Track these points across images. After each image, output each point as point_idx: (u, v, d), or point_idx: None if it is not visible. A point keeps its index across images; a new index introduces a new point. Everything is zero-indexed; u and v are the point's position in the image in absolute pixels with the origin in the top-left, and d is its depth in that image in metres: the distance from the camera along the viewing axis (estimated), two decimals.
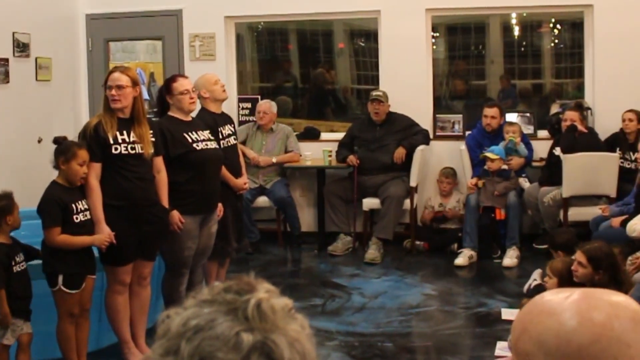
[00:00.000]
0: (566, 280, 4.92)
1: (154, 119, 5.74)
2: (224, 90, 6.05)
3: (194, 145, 5.35)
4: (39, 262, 4.78)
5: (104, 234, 4.76)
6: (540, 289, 5.97)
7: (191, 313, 1.07)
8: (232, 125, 6.14)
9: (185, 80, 5.50)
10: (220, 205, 5.64)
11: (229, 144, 5.91)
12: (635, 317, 1.27)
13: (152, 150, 4.97)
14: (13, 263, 4.53)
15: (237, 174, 6.02)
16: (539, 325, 1.30)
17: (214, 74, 6.16)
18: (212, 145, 5.50)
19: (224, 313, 1.06)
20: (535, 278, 6.32)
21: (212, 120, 5.81)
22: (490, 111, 8.04)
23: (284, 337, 1.05)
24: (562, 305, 1.30)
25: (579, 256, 4.80)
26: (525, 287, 6.32)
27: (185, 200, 5.28)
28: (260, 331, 1.04)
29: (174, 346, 1.05)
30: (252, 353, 1.02)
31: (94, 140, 4.80)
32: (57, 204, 4.64)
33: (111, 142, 4.82)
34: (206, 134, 5.51)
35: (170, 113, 5.46)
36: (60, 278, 4.66)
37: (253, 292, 1.08)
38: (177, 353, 1.04)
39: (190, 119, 5.50)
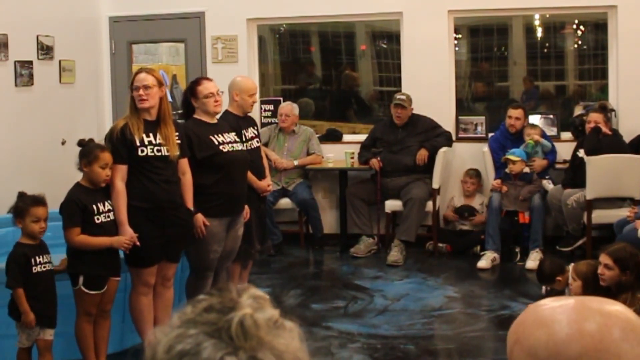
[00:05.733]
0: (591, 282, 4.88)
1: (179, 121, 5.76)
2: (253, 105, 6.06)
3: (220, 147, 5.35)
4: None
5: (126, 236, 4.79)
6: (554, 292, 5.99)
7: (175, 336, 1.05)
8: (255, 128, 6.14)
9: (209, 83, 5.49)
10: (246, 208, 5.66)
11: (252, 147, 5.92)
12: (627, 327, 1.25)
13: (177, 152, 4.98)
14: (33, 263, 4.54)
15: (261, 176, 6.03)
16: (530, 337, 1.29)
17: (254, 84, 6.17)
18: (239, 147, 5.51)
19: (208, 335, 1.03)
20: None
21: (235, 123, 5.82)
22: (514, 112, 8.01)
23: (270, 352, 1.03)
24: (553, 315, 1.29)
25: (604, 259, 4.76)
26: (542, 290, 6.31)
27: (212, 203, 5.29)
28: (246, 350, 1.02)
29: None
30: None
31: (120, 142, 4.83)
32: (76, 205, 4.66)
33: (137, 144, 4.84)
34: (232, 135, 5.52)
35: (195, 116, 5.46)
36: (81, 279, 4.70)
37: (235, 310, 1.05)
38: None
39: (215, 121, 5.51)
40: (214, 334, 1.03)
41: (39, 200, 4.63)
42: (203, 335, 1.03)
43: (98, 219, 4.71)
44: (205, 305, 1.08)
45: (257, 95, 6.13)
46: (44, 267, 4.59)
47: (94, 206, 4.70)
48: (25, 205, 4.58)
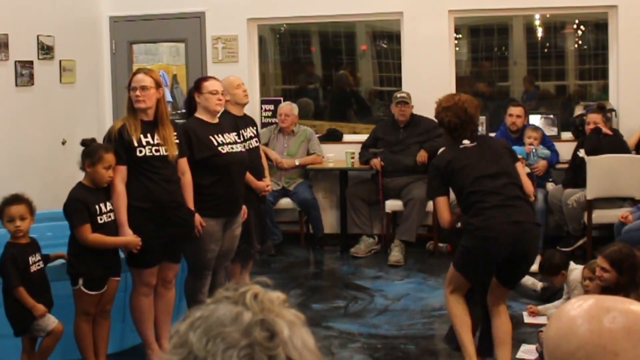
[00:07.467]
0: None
1: (178, 121, 5.75)
2: (246, 95, 6.06)
3: (219, 148, 5.34)
4: (61, 262, 4.84)
5: (126, 237, 4.79)
6: (550, 289, 6.06)
7: (196, 312, 1.17)
8: (255, 128, 6.14)
9: (217, 82, 5.50)
10: (244, 207, 5.65)
11: (251, 147, 5.92)
12: (631, 327, 1.26)
13: (176, 152, 4.98)
14: (31, 262, 4.56)
15: (259, 176, 6.03)
16: (547, 329, 1.38)
17: (237, 77, 6.17)
18: (238, 148, 5.50)
19: (226, 304, 1.16)
20: (532, 281, 6.37)
21: (234, 123, 5.81)
22: (515, 110, 8.01)
23: (282, 319, 1.14)
24: (568, 312, 1.35)
25: (601, 262, 4.74)
26: (538, 287, 6.36)
27: (209, 203, 5.28)
28: (259, 314, 1.13)
29: (184, 338, 1.14)
30: (253, 327, 1.11)
31: (118, 143, 4.82)
32: (81, 203, 4.66)
33: (135, 144, 4.84)
34: (232, 136, 5.51)
35: (196, 115, 5.46)
36: (81, 280, 4.69)
37: (250, 288, 1.18)
38: (187, 343, 1.13)
39: (216, 121, 5.50)
40: (230, 303, 1.16)
41: (11, 200, 4.62)
42: (221, 304, 1.16)
43: (101, 219, 4.71)
44: (222, 289, 1.19)
45: (245, 85, 6.12)
46: (38, 265, 4.62)
47: (97, 206, 4.70)
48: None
